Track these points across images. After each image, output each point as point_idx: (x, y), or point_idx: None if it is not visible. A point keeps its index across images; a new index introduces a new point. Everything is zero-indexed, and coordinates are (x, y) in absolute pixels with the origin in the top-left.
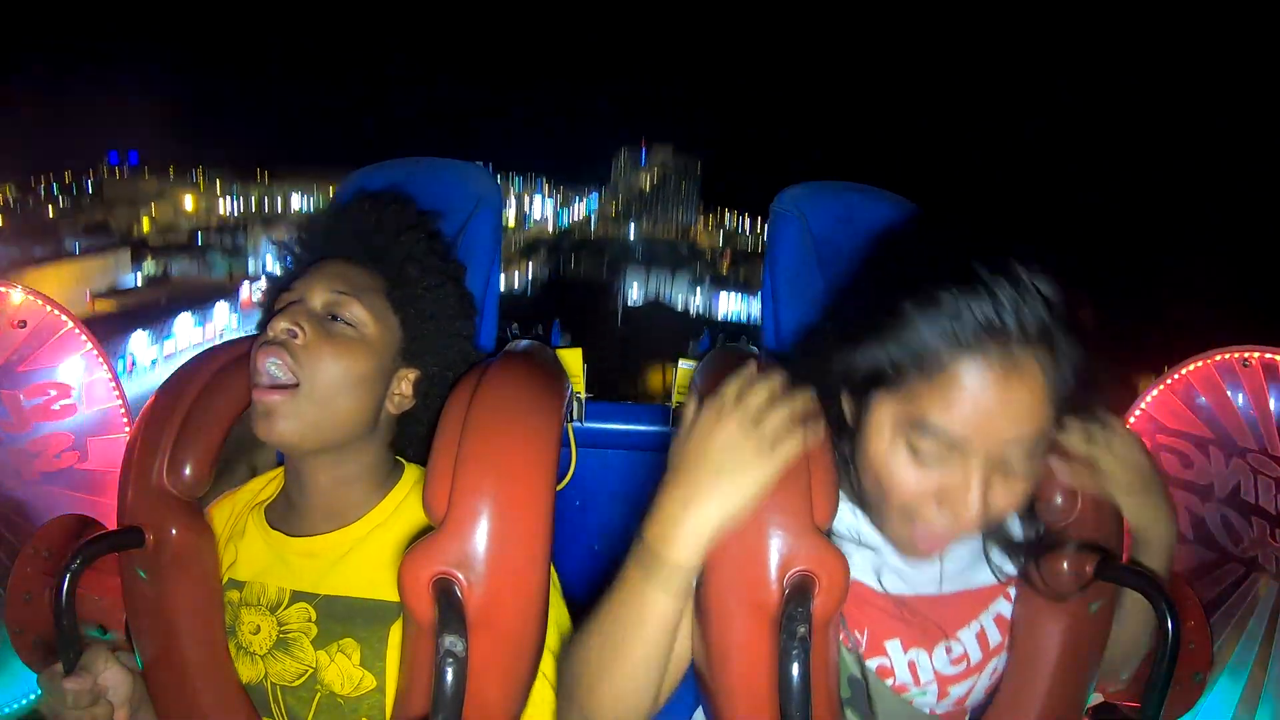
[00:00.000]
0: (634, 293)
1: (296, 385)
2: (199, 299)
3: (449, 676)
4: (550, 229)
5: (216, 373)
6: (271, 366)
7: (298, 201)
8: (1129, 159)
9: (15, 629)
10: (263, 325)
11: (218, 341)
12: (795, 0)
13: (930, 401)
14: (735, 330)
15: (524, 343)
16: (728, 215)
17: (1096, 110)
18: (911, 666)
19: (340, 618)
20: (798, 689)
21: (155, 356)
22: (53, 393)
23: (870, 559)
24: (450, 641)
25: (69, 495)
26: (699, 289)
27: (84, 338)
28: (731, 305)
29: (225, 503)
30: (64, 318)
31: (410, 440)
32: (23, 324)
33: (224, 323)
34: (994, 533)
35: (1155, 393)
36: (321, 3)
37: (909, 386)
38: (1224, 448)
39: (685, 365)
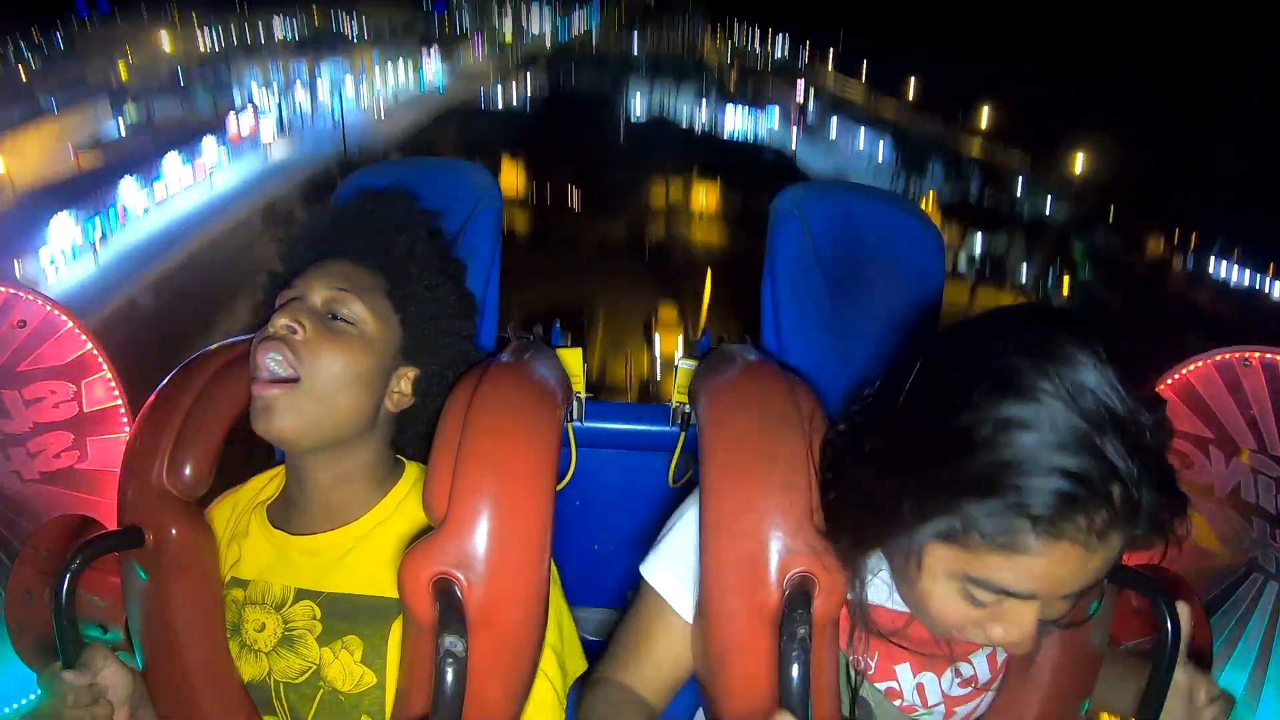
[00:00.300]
0: (637, 108)
1: (297, 380)
2: (186, 139)
3: (449, 676)
4: (548, 44)
5: (216, 373)
6: (271, 362)
7: (280, 28)
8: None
9: (15, 629)
10: (264, 321)
11: (207, 177)
12: None
13: (1000, 569)
14: (741, 148)
15: (524, 342)
16: (736, 29)
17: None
18: (920, 689)
19: (344, 615)
20: (797, 690)
21: (147, 204)
22: (53, 393)
23: (885, 578)
24: (450, 641)
25: (69, 495)
26: (704, 102)
27: (84, 338)
28: (738, 122)
29: (226, 502)
30: (64, 318)
31: (410, 439)
32: (23, 324)
33: (212, 159)
34: None
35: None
36: None
37: (976, 549)
38: (1224, 448)
39: (685, 365)
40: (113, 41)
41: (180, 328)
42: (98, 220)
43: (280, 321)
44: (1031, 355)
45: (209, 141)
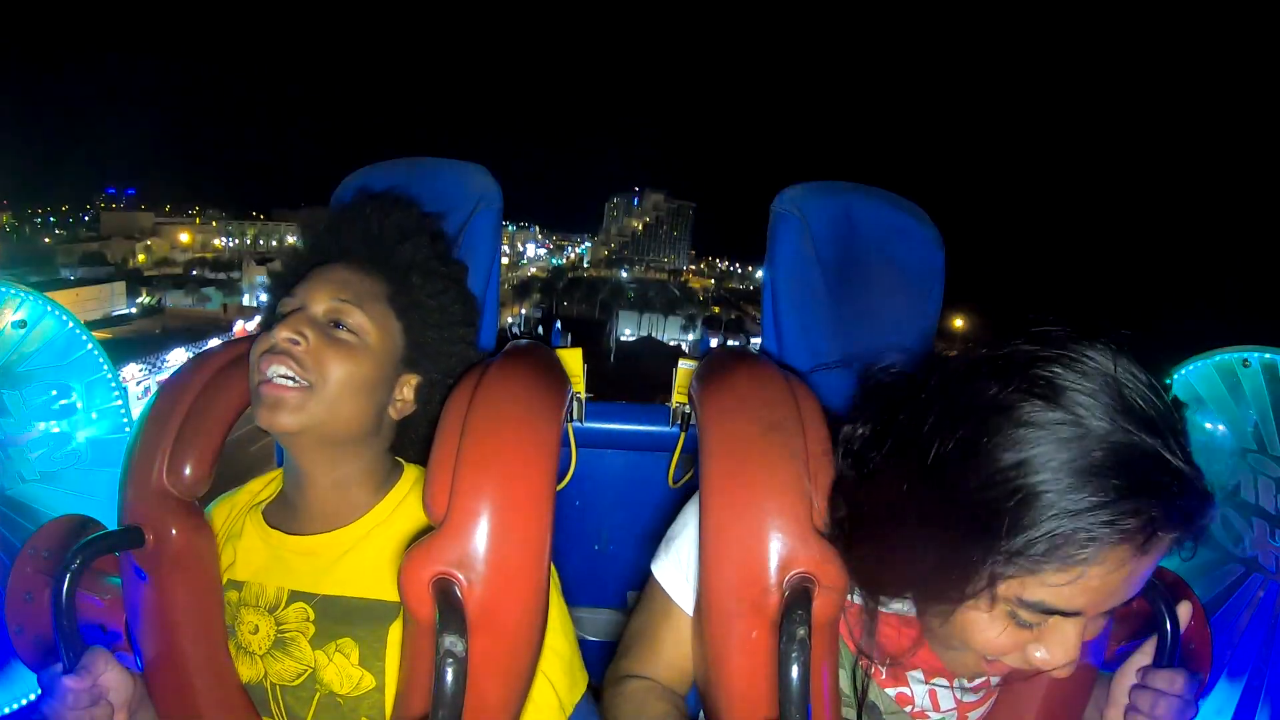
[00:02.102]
0: (626, 331)
1: (308, 387)
2: (192, 330)
3: (449, 676)
4: (544, 269)
5: (216, 373)
6: (276, 375)
7: (293, 238)
8: (1130, 157)
9: (15, 629)
10: (265, 325)
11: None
12: (786, 48)
13: (1046, 590)
14: None
15: (524, 343)
16: (719, 262)
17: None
18: (932, 695)
19: (338, 618)
20: (797, 691)
21: (149, 384)
22: (53, 393)
23: None
24: (450, 641)
25: (69, 495)
26: (690, 332)
27: (84, 337)
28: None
29: (224, 503)
30: (64, 317)
31: (411, 443)
32: (23, 324)
33: None
34: None
35: None
36: (318, 52)
37: (1036, 570)
38: (1224, 448)
39: (685, 365)
40: (134, 227)
41: None
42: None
43: (283, 334)
44: (1062, 364)
45: (214, 342)
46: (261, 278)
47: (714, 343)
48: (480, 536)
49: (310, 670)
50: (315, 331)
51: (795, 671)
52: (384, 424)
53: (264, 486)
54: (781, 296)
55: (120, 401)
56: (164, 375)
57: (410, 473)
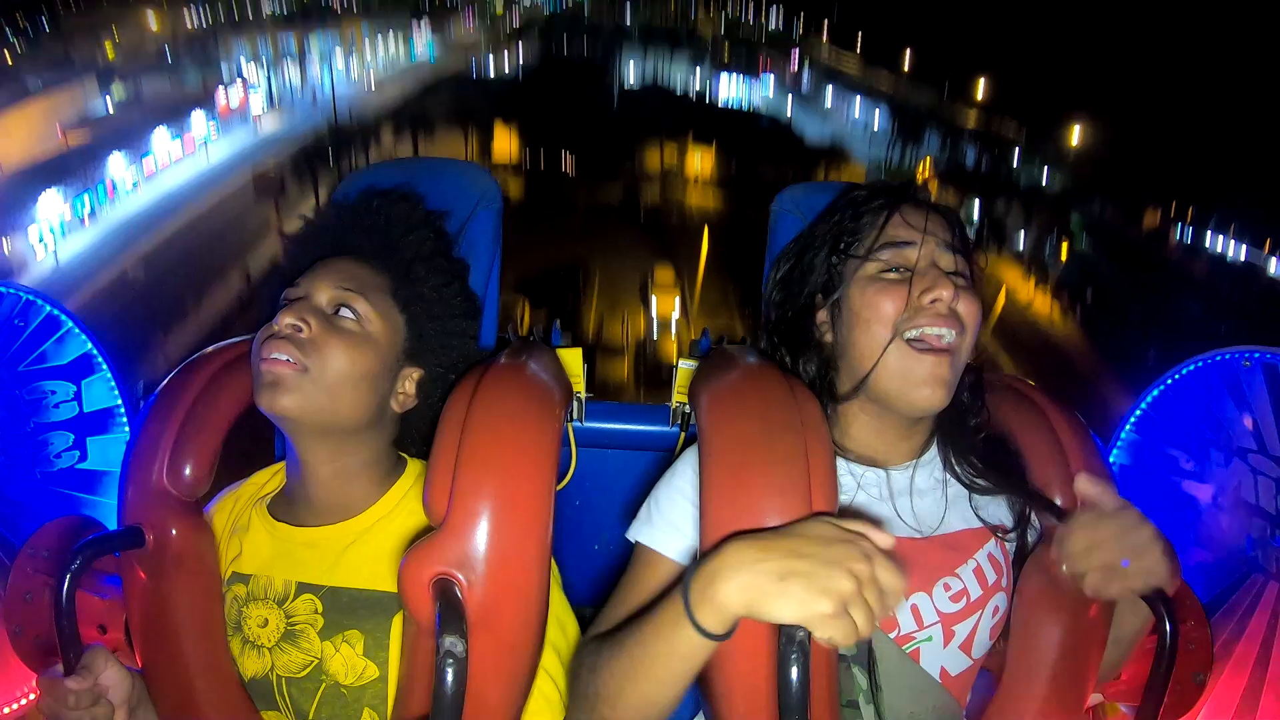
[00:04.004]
0: (630, 76)
1: (305, 371)
2: (174, 113)
3: (449, 676)
4: (543, 12)
5: (216, 373)
6: (276, 361)
7: (267, 4)
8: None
9: (15, 629)
10: (268, 318)
11: (196, 150)
12: None
13: (879, 232)
14: (736, 115)
15: (524, 342)
16: (729, 2)
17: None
18: (914, 610)
19: (345, 609)
20: (797, 691)
21: (136, 178)
22: (53, 393)
23: (867, 507)
24: (450, 642)
25: (69, 495)
26: (698, 71)
27: (84, 338)
28: (732, 90)
29: (228, 498)
30: (64, 318)
31: (413, 438)
32: (23, 324)
33: (201, 132)
34: (977, 491)
35: (1155, 393)
36: None
37: (866, 239)
38: (1224, 448)
39: (685, 365)
40: (99, 22)
41: (171, 298)
42: (86, 196)
43: (286, 320)
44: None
45: (198, 115)
46: (241, 46)
47: (723, 86)
48: (480, 537)
49: (317, 661)
50: (318, 319)
51: (795, 672)
52: (386, 416)
53: (268, 479)
54: None
55: (120, 401)
56: (148, 159)
57: (414, 467)
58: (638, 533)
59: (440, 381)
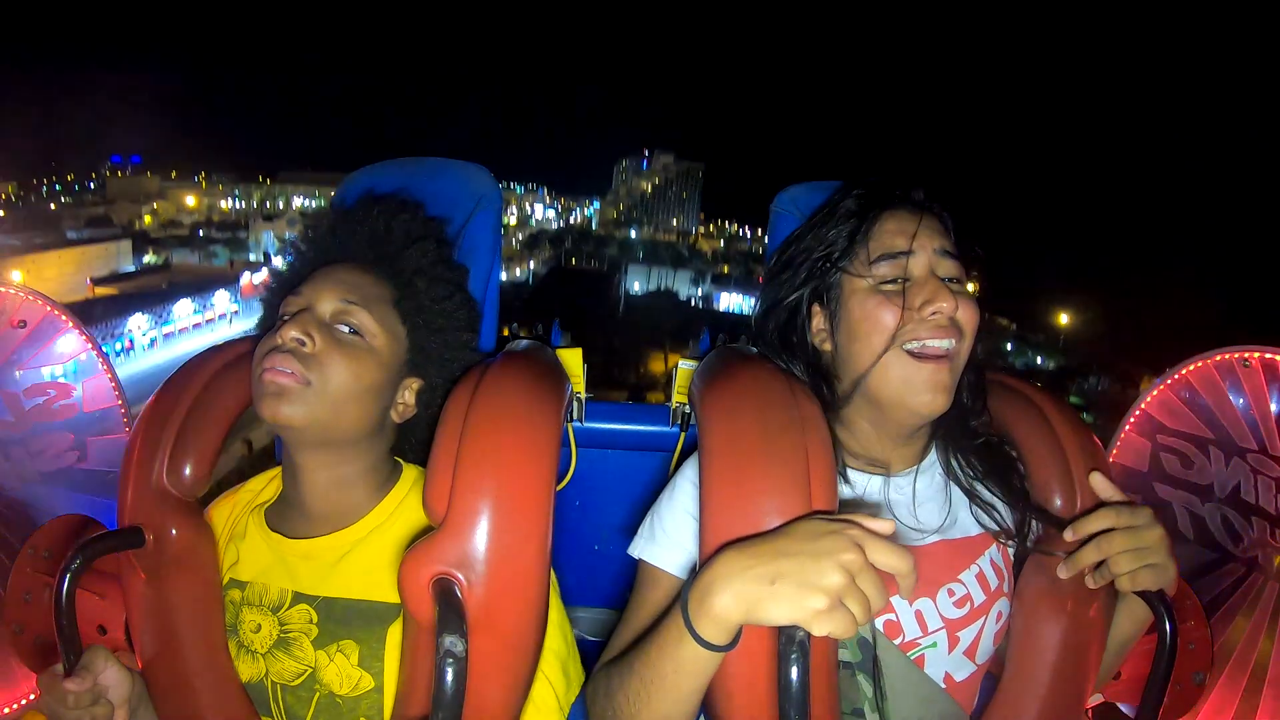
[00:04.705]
0: (636, 286)
1: (309, 384)
2: (199, 284)
3: (449, 676)
4: (553, 227)
5: (216, 373)
6: (280, 375)
7: (298, 200)
8: (1131, 156)
9: (15, 629)
10: (267, 325)
11: (217, 325)
12: (796, 11)
13: (877, 244)
14: (737, 323)
15: (524, 343)
16: (727, 225)
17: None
18: (919, 616)
19: (340, 619)
20: (797, 692)
21: (155, 336)
22: (53, 393)
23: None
24: (450, 641)
25: (69, 495)
26: (700, 287)
27: (84, 339)
28: (733, 300)
29: (225, 503)
30: (64, 318)
31: (411, 445)
32: (23, 324)
33: (224, 308)
34: (978, 497)
35: (1155, 392)
36: (321, 15)
37: (860, 253)
38: (1224, 448)
39: (685, 365)
40: (140, 192)
41: None
42: (104, 348)
43: (290, 334)
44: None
45: (221, 294)
46: (269, 233)
47: (724, 298)
48: (480, 536)
49: (311, 670)
50: (322, 333)
51: (795, 672)
52: (385, 426)
53: (265, 485)
54: None
55: (119, 401)
56: (170, 327)
57: (410, 473)
58: (640, 549)
59: (440, 391)
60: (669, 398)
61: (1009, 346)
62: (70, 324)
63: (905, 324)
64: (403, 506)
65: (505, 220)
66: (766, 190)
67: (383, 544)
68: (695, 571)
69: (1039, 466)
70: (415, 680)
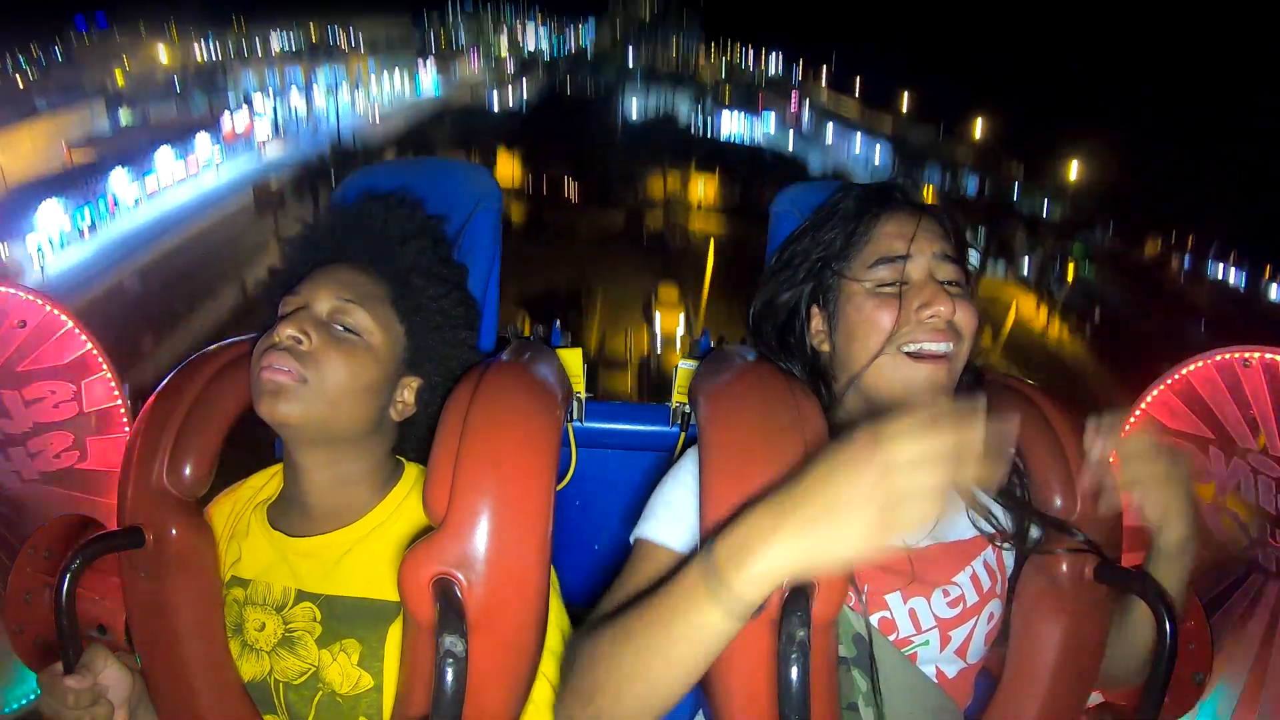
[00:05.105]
0: (634, 110)
1: (306, 382)
2: (179, 135)
3: (449, 677)
4: (544, 57)
5: (216, 373)
6: (278, 373)
7: (276, 41)
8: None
9: (15, 629)
10: (266, 325)
11: (201, 175)
12: None
13: (874, 248)
14: (739, 148)
15: (524, 342)
16: (730, 47)
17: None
18: (912, 614)
19: (342, 617)
20: (796, 692)
21: (138, 195)
22: (53, 393)
23: None
24: (450, 642)
25: (69, 495)
26: (700, 107)
27: (84, 338)
28: (734, 126)
29: (226, 500)
30: (64, 318)
31: (412, 444)
32: (23, 324)
33: (206, 154)
34: (975, 501)
35: (1155, 392)
36: None
37: (857, 253)
38: (1224, 448)
39: (686, 365)
40: (110, 53)
41: (165, 309)
42: (87, 210)
43: (286, 332)
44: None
45: (203, 138)
46: (247, 73)
47: (725, 122)
48: (480, 536)
49: (314, 669)
50: (319, 331)
51: (795, 672)
52: (385, 425)
53: (266, 482)
54: None
55: (120, 401)
56: (152, 179)
57: (411, 471)
58: (638, 531)
59: (439, 390)
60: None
61: (1016, 188)
62: (70, 323)
63: (902, 327)
64: (404, 505)
65: (496, 50)
66: (771, 13)
67: (384, 542)
68: (706, 542)
69: (1039, 467)
70: (415, 680)
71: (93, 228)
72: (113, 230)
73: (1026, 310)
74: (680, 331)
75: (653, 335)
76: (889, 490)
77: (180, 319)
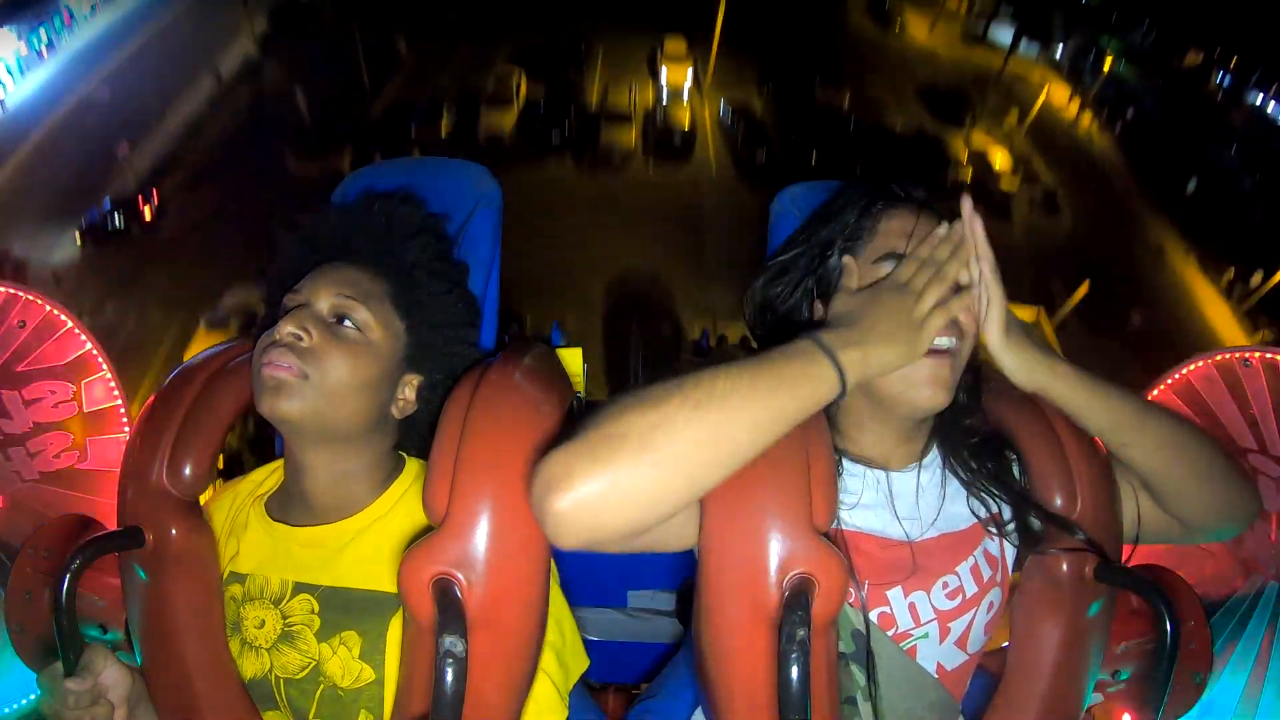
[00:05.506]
0: None
1: (306, 379)
2: None
3: (449, 676)
4: None
5: (216, 373)
6: (278, 369)
7: None
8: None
9: (15, 629)
10: (267, 326)
11: None
12: None
13: (881, 243)
14: None
15: (524, 342)
16: None
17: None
18: (912, 608)
19: (341, 609)
20: (797, 691)
21: (93, 2)
22: (52, 393)
23: (871, 509)
24: (450, 642)
25: (69, 495)
26: None
27: (84, 337)
28: None
29: (226, 495)
30: (64, 317)
31: (413, 441)
32: (22, 324)
33: None
34: (976, 492)
35: (1155, 393)
36: None
37: (866, 242)
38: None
39: None
40: None
41: (138, 111)
42: (42, 29)
43: (287, 329)
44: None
45: None
46: None
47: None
48: (480, 536)
49: (315, 663)
50: (319, 328)
51: (795, 672)
52: (387, 422)
53: (266, 476)
54: None
55: (120, 401)
56: None
57: (412, 466)
58: None
59: (440, 387)
60: None
61: None
62: (70, 323)
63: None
64: (405, 498)
65: None
66: None
67: (385, 534)
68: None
69: (1039, 466)
70: (415, 680)
71: (50, 46)
72: (73, 44)
73: (1058, 99)
74: (688, 84)
75: (658, 88)
76: (907, 303)
77: (154, 119)
